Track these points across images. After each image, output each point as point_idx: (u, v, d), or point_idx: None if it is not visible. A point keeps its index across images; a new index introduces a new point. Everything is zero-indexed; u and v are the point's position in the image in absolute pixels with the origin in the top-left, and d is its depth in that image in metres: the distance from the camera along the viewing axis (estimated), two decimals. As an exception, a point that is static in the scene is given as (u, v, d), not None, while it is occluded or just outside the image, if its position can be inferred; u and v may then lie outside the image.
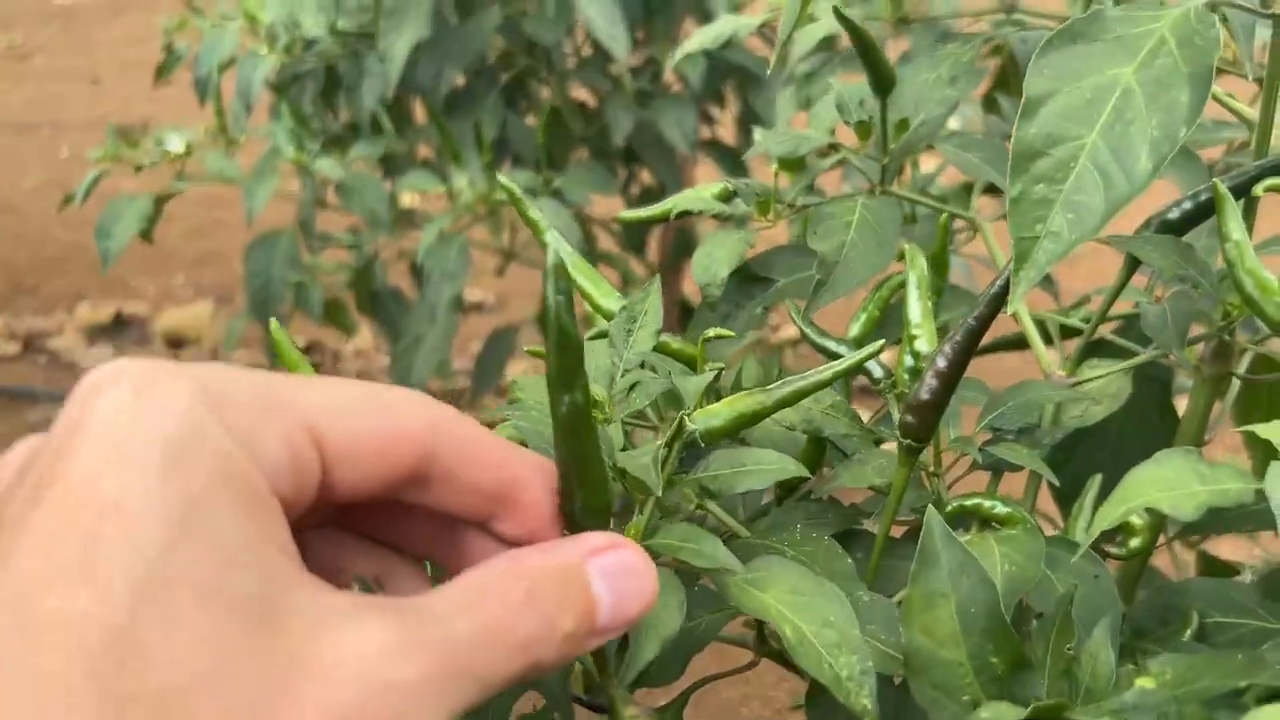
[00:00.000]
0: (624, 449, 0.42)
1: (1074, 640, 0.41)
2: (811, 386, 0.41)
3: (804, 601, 0.36)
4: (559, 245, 0.53)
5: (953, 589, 0.36)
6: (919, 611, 0.37)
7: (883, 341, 0.45)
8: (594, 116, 1.79)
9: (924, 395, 0.44)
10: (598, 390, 0.46)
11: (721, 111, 1.96)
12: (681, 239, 1.94)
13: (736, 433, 0.41)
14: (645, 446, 0.41)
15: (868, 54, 0.59)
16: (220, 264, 3.32)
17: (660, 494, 0.39)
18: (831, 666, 0.34)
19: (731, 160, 1.88)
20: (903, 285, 0.55)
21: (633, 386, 0.45)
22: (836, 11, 0.56)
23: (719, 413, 0.41)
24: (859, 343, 0.56)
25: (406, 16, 1.49)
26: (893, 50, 1.04)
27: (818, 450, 0.51)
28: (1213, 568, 0.75)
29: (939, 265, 0.52)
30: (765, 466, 0.40)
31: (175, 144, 1.45)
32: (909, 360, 0.49)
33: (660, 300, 0.49)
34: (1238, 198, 0.56)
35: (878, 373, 0.51)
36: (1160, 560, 0.87)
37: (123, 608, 0.23)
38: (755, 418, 0.41)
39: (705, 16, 1.70)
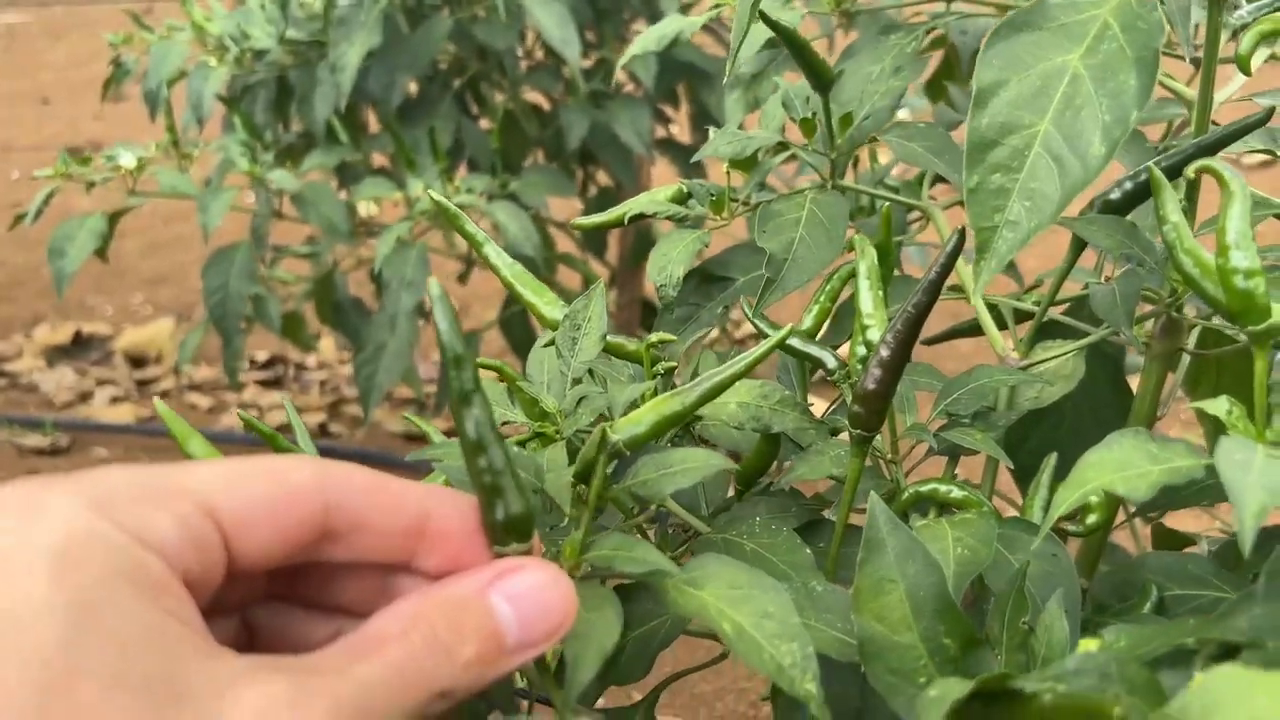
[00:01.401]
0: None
1: (1029, 615, 0.41)
2: (728, 379, 0.41)
3: (741, 595, 0.36)
4: (498, 259, 0.53)
5: (900, 574, 0.37)
6: (869, 598, 0.37)
7: (791, 326, 0.46)
8: (549, 119, 1.79)
9: (870, 385, 0.44)
10: (548, 401, 0.46)
11: (676, 110, 1.96)
12: (641, 239, 1.94)
13: (662, 436, 0.41)
14: (569, 467, 0.41)
15: (801, 54, 0.59)
16: (179, 280, 3.29)
17: (583, 511, 0.40)
18: (773, 656, 0.34)
19: (687, 158, 1.88)
20: (853, 275, 0.55)
21: (579, 401, 0.46)
22: (763, 16, 0.57)
23: (641, 419, 0.41)
24: (811, 335, 0.56)
25: (357, 26, 1.48)
26: (842, 42, 1.04)
27: (772, 445, 0.51)
28: (1168, 540, 0.76)
29: (884, 254, 0.52)
30: (692, 466, 0.41)
31: (127, 159, 1.43)
32: (861, 350, 0.49)
33: (604, 305, 0.49)
34: (1176, 176, 0.57)
35: (831, 363, 0.51)
36: (1121, 537, 0.88)
37: (29, 709, 0.25)
38: (678, 419, 0.41)
39: (655, 17, 1.70)
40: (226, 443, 2.42)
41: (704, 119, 1.87)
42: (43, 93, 4.94)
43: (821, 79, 0.62)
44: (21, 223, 1.44)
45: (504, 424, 0.49)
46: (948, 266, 0.44)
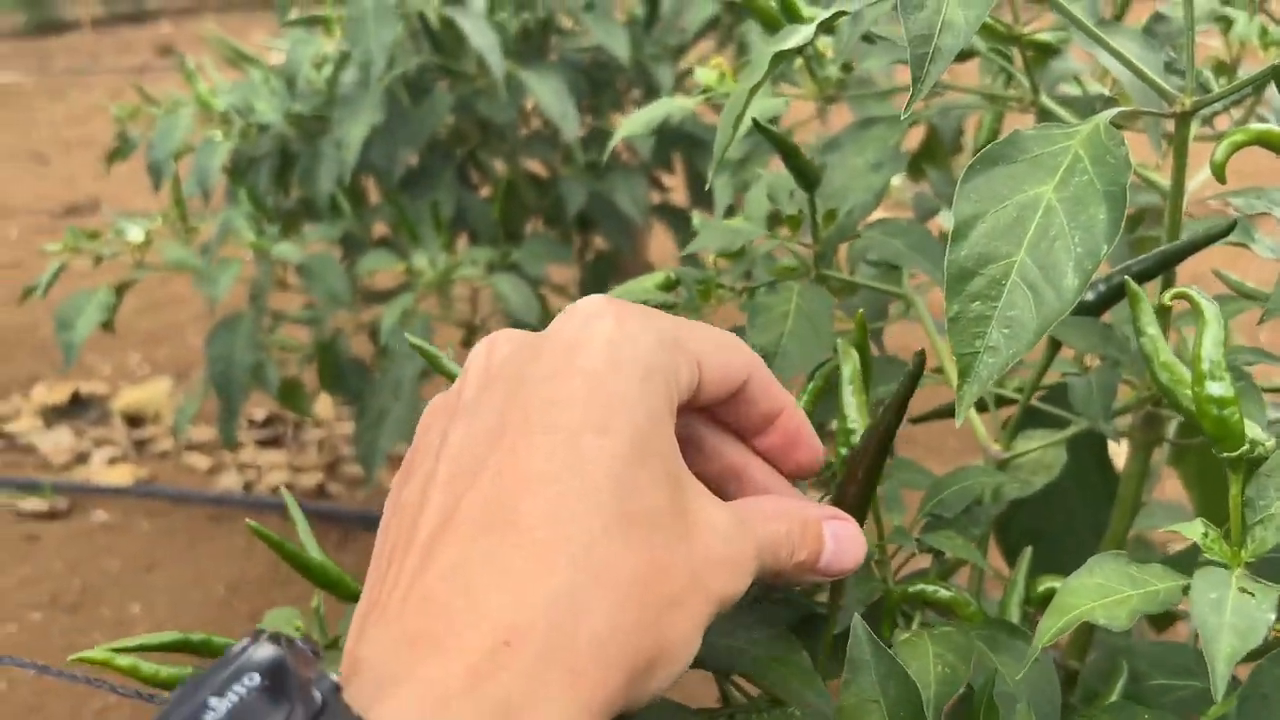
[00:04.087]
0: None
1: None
2: None
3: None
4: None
5: (881, 694, 0.39)
6: (852, 717, 0.39)
7: None
8: (547, 188, 1.82)
9: (845, 502, 0.47)
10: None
11: (672, 175, 2.00)
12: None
13: None
14: None
15: (789, 158, 0.62)
16: (175, 339, 3.31)
17: None
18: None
19: (683, 223, 1.92)
20: (834, 371, 0.58)
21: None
22: (756, 124, 0.59)
23: None
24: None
25: (361, 103, 1.51)
26: (835, 117, 1.07)
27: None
28: (1155, 619, 0.78)
29: (863, 354, 0.55)
30: None
31: (135, 234, 1.46)
32: (845, 451, 0.51)
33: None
34: (1154, 275, 0.59)
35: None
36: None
37: (624, 455, 0.36)
38: None
39: (650, 88, 1.74)
40: (224, 505, 2.43)
41: (700, 184, 1.91)
42: (41, 149, 4.97)
43: (808, 179, 0.65)
44: (32, 296, 1.47)
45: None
46: (909, 389, 0.47)
